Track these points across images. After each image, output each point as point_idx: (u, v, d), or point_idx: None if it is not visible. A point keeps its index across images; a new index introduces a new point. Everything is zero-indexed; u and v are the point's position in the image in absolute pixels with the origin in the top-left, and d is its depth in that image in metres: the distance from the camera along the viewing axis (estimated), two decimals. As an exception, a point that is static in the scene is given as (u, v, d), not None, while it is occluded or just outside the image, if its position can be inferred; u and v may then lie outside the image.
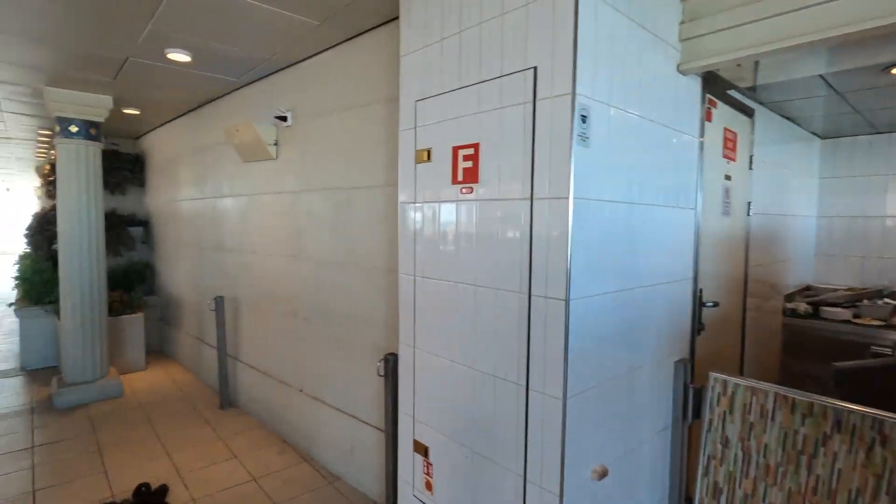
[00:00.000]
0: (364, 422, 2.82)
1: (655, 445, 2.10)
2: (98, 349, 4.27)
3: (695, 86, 2.17)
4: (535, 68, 1.61)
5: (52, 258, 5.65)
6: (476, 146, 1.84)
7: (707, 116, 2.29)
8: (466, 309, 1.89)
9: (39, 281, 5.29)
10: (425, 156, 2.07)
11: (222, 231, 4.36)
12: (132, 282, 5.72)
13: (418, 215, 2.11)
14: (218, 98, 4.27)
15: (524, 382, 1.68)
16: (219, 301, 4.00)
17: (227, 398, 4.10)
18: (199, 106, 4.61)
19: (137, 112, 4.74)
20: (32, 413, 3.96)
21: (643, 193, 1.88)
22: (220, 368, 4.05)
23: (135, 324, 5.01)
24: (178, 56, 3.07)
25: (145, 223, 6.20)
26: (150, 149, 6.16)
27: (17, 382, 4.73)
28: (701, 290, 2.32)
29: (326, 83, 3.00)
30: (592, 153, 1.60)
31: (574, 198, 1.53)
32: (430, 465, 2.11)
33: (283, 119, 3.27)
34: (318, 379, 3.19)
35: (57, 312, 4.72)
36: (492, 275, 1.78)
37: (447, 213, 1.97)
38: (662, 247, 2.03)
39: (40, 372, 5.04)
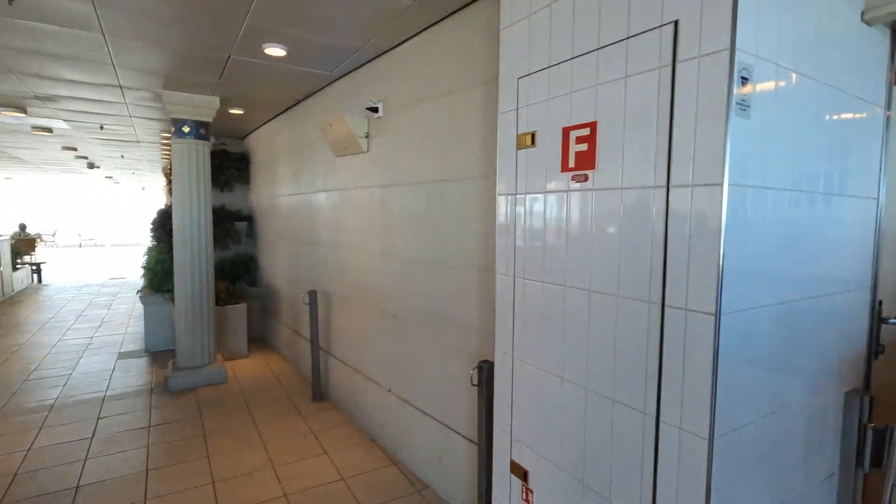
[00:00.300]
0: (455, 430, 2.64)
1: (819, 498, 1.68)
2: (206, 337, 4.54)
3: (883, 40, 1.69)
4: (675, 23, 1.29)
5: (171, 250, 6.17)
6: (592, 125, 1.55)
7: (895, 80, 1.78)
8: (578, 318, 1.61)
9: (161, 270, 5.78)
10: (529, 140, 1.81)
11: (316, 226, 4.42)
12: (238, 273, 6.08)
13: (519, 208, 1.86)
14: (312, 94, 4.32)
15: (653, 412, 1.37)
16: (312, 295, 4.05)
17: (319, 391, 4.15)
18: (296, 103, 4.71)
19: (241, 112, 4.97)
20: (151, 393, 4.30)
21: (813, 179, 1.47)
22: (313, 361, 4.11)
23: (239, 313, 5.30)
24: (275, 51, 3.08)
25: (250, 218, 6.58)
26: (253, 147, 6.51)
27: (141, 363, 5.21)
28: (881, 303, 1.82)
29: (418, 69, 2.84)
30: (753, 126, 1.25)
31: (729, 185, 1.19)
32: (531, 491, 1.86)
33: (375, 110, 3.17)
34: (408, 380, 3.07)
35: (173, 300, 5.12)
36: (611, 279, 1.48)
37: (554, 205, 1.70)
38: (834, 247, 1.60)
39: (161, 354, 5.52)
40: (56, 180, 16.81)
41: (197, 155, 4.38)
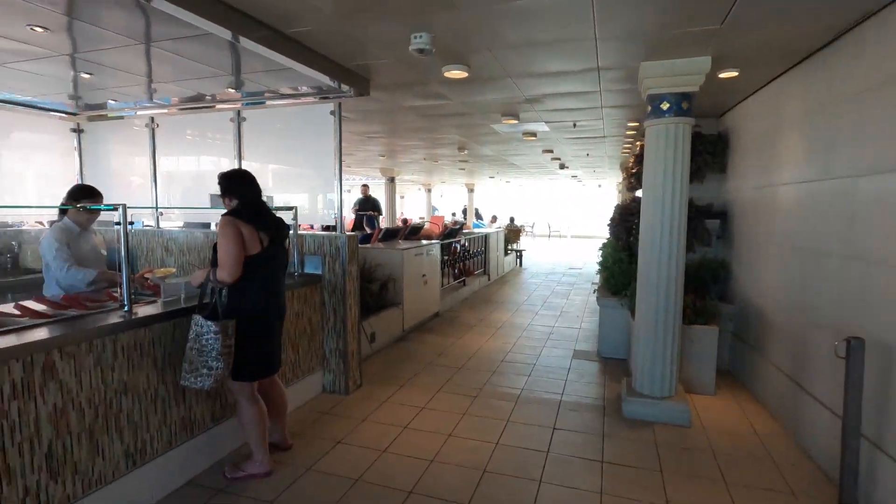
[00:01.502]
0: None
1: None
2: (669, 363, 3.68)
3: None
4: None
5: (628, 249, 5.69)
6: None
7: None
8: None
9: (618, 271, 5.38)
10: None
11: (861, 229, 2.72)
12: (705, 284, 4.91)
13: None
14: (860, 23, 2.62)
15: None
16: (855, 346, 2.45)
17: (852, 500, 2.53)
18: (821, 48, 3.09)
19: (735, 73, 3.73)
20: (604, 413, 3.81)
21: None
22: (845, 451, 2.52)
23: (707, 337, 4.17)
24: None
25: (723, 214, 5.27)
26: (735, 126, 5.12)
27: (594, 368, 4.92)
28: None
29: None
30: None
31: None
32: None
33: None
34: None
35: (630, 307, 4.55)
36: None
37: None
38: None
39: (612, 362, 5.11)
40: (535, 181, 20.35)
41: (675, 136, 3.51)
